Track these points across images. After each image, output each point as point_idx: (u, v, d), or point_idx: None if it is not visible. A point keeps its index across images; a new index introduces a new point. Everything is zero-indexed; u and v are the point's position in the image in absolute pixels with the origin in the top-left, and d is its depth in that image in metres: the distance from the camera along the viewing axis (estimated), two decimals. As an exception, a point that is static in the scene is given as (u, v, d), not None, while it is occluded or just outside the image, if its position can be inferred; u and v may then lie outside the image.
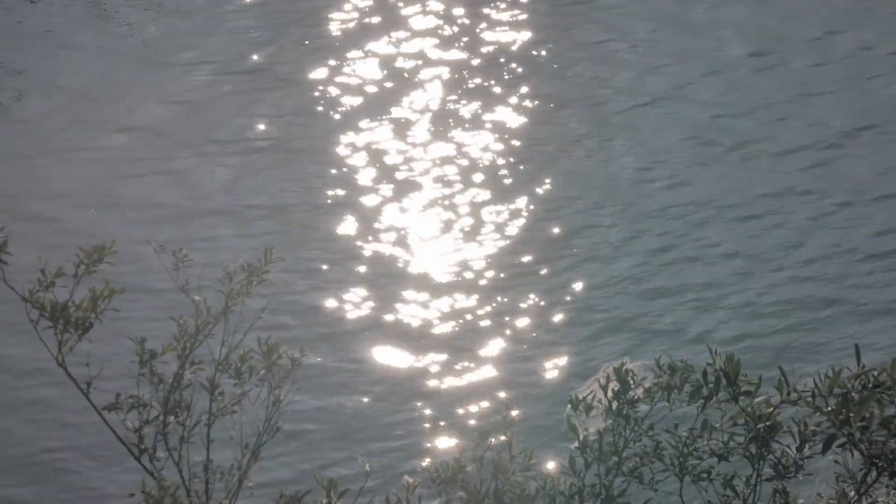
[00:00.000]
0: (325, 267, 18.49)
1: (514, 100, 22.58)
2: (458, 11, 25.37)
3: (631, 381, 5.70)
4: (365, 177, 20.65)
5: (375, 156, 21.13)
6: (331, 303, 17.84)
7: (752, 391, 5.34)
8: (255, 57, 24.14)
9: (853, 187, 19.79)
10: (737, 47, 23.91)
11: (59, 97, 22.85)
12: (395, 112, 22.35)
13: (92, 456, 15.29)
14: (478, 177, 20.58)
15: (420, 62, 23.84)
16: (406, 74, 23.44)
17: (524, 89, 22.85)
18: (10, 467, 15.36)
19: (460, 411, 15.95)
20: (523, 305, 17.69)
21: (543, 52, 24.03)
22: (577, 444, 5.79)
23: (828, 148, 20.83)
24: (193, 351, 6.83)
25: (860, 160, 20.50)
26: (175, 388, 6.74)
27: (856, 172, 20.18)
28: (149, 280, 17.02)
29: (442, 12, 25.38)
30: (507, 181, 20.43)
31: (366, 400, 16.26)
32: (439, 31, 24.89)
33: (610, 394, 5.73)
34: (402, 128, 21.93)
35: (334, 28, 25.03)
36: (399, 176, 20.64)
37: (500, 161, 20.94)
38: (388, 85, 23.14)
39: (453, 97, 22.76)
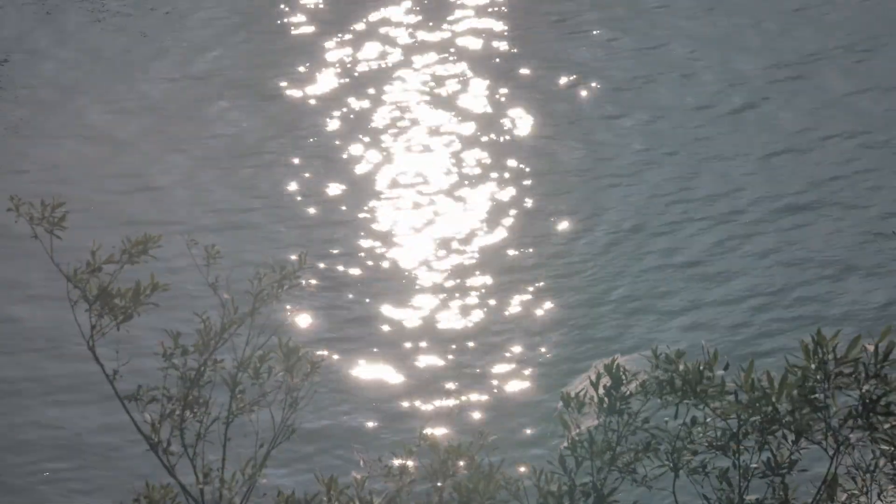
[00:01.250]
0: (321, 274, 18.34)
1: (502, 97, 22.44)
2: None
3: (623, 377, 5.53)
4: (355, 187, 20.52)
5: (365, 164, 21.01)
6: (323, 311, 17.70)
7: (715, 395, 5.29)
8: (233, 63, 23.93)
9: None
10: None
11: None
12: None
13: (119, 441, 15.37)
14: (460, 182, 20.40)
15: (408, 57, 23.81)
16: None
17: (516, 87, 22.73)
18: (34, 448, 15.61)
19: (450, 418, 15.75)
20: (515, 308, 17.58)
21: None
22: (566, 442, 5.61)
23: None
24: (217, 349, 6.87)
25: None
26: (195, 385, 6.76)
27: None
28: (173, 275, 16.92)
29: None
30: (490, 187, 20.26)
31: (361, 403, 16.16)
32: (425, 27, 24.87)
33: (601, 390, 5.56)
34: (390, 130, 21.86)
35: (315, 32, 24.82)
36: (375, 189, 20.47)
37: (481, 168, 20.73)
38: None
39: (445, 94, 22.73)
